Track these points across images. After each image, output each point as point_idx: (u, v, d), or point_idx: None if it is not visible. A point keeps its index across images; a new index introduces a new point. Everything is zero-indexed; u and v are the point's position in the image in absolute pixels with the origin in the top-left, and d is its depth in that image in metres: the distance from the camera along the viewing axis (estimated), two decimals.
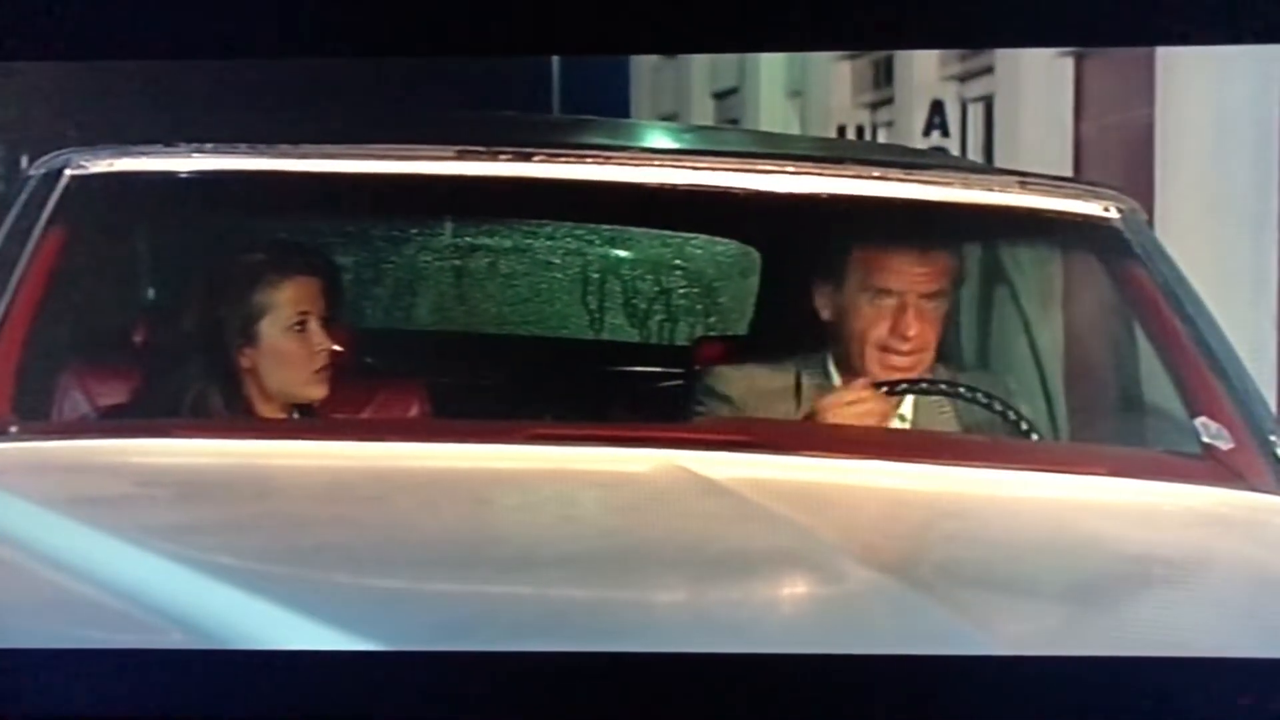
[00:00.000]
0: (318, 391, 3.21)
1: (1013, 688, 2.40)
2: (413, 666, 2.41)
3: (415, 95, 3.80)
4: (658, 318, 4.13)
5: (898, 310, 3.23)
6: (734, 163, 3.30)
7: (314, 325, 3.20)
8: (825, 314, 3.31)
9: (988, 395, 3.26)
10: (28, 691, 2.41)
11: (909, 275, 3.25)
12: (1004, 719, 2.47)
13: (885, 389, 3.21)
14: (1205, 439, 3.12)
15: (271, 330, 3.19)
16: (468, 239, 4.07)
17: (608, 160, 3.28)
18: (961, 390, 3.27)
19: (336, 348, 3.21)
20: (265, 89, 3.37)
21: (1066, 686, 2.40)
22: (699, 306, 4.14)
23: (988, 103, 7.47)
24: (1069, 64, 6.79)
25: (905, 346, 3.23)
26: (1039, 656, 2.45)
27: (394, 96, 3.83)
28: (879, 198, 3.29)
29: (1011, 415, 3.25)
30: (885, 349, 3.24)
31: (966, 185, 3.35)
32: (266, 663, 2.40)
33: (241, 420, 3.18)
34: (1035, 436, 3.27)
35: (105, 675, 2.41)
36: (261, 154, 3.23)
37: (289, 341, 3.20)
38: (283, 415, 3.22)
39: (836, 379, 3.28)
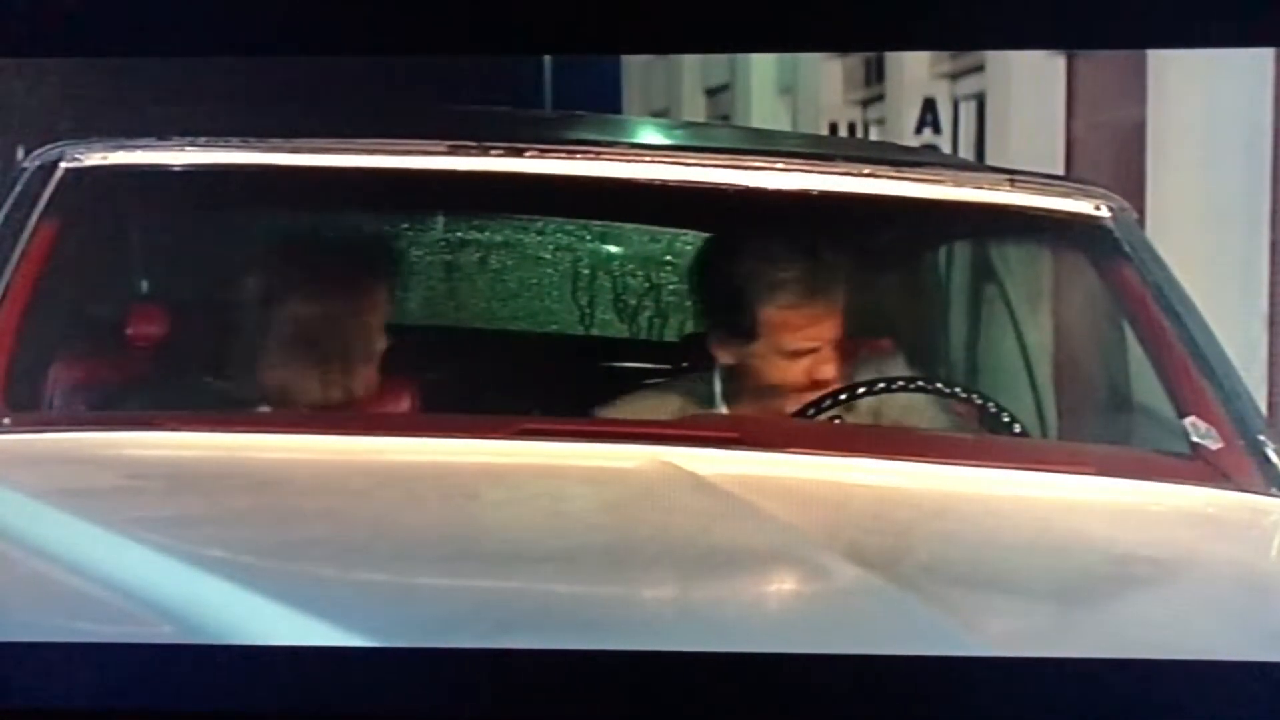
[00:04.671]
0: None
1: (998, 688, 2.40)
2: (399, 663, 2.41)
3: (407, 91, 3.80)
4: (647, 314, 4.13)
5: None
6: (725, 159, 3.31)
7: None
8: None
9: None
10: (16, 684, 2.41)
11: None
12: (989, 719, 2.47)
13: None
14: (1194, 439, 3.13)
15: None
16: (459, 234, 4.08)
17: (599, 156, 3.29)
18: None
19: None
20: (259, 84, 3.38)
21: (1052, 687, 2.40)
22: (688, 303, 4.14)
23: (979, 101, 7.48)
24: (1061, 63, 6.81)
25: None
26: (1024, 658, 2.45)
27: (386, 92, 3.84)
28: (869, 195, 3.31)
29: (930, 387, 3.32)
30: None
31: (957, 183, 3.37)
32: (252, 658, 2.40)
33: (232, 413, 3.19)
34: (964, 395, 3.32)
35: (92, 669, 2.41)
36: (255, 148, 3.24)
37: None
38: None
39: None
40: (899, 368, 3.40)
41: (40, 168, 3.23)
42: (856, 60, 8.29)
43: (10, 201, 3.22)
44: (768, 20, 2.54)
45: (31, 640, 2.43)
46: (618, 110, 6.29)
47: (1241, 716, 2.42)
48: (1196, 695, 2.39)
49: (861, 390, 3.24)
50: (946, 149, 7.60)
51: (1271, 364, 5.53)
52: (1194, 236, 5.60)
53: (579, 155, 3.28)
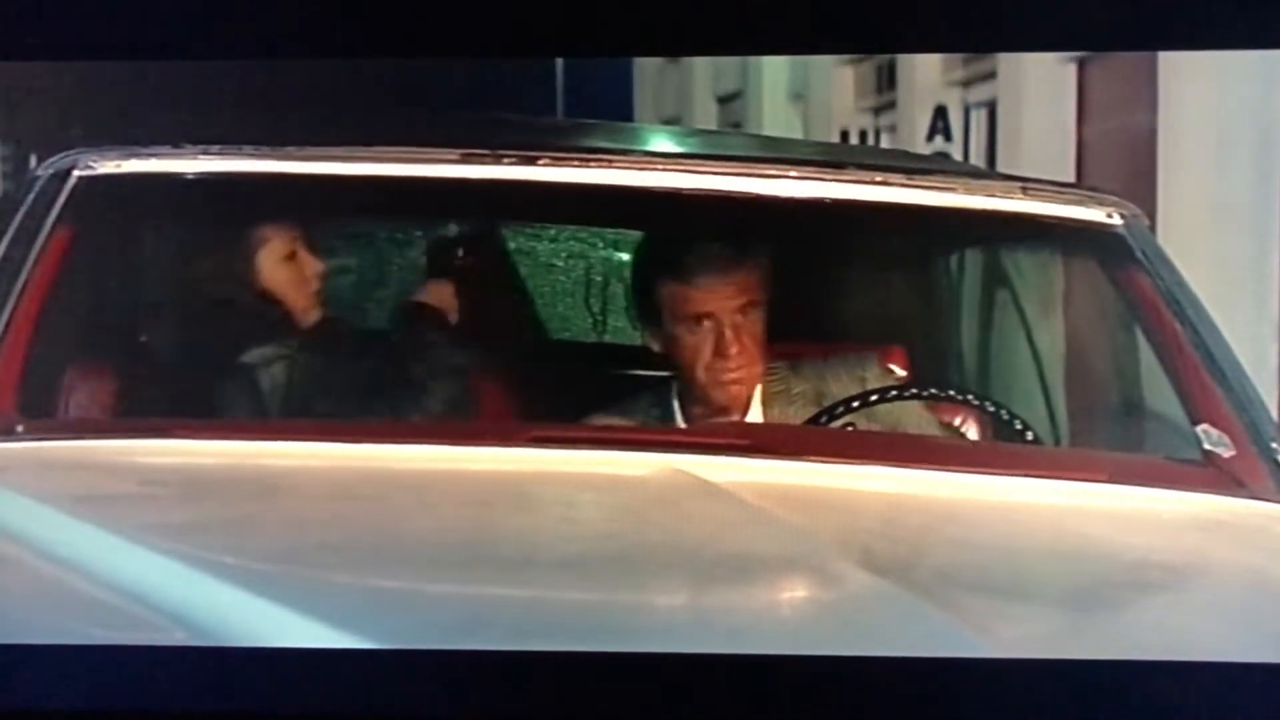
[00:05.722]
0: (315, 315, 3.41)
1: (1010, 691, 2.40)
2: (411, 665, 2.41)
3: (420, 98, 3.81)
4: None
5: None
6: (737, 167, 3.31)
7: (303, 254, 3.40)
8: None
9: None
10: (33, 686, 2.42)
11: None
12: None
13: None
14: (1206, 446, 3.13)
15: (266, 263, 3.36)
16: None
17: (611, 164, 3.29)
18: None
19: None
20: (272, 90, 3.38)
21: (1063, 690, 2.40)
22: None
23: (991, 108, 7.47)
24: (1072, 69, 6.80)
25: None
26: (1036, 660, 2.45)
27: (399, 99, 3.84)
28: (881, 203, 3.30)
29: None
30: None
31: (969, 191, 3.36)
32: (266, 659, 2.41)
33: (244, 421, 3.20)
34: (976, 402, 3.32)
35: (107, 670, 2.42)
36: (268, 156, 3.25)
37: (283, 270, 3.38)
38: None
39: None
40: (884, 373, 3.40)
41: (53, 176, 3.24)
42: (868, 67, 8.29)
43: (24, 209, 3.23)
44: (779, 22, 2.55)
45: (45, 643, 2.44)
46: (629, 117, 6.29)
47: (1252, 718, 2.42)
48: (1206, 697, 2.39)
49: (874, 398, 3.24)
50: (958, 156, 7.59)
51: None
52: (1205, 242, 5.59)
53: (591, 163, 3.29)
